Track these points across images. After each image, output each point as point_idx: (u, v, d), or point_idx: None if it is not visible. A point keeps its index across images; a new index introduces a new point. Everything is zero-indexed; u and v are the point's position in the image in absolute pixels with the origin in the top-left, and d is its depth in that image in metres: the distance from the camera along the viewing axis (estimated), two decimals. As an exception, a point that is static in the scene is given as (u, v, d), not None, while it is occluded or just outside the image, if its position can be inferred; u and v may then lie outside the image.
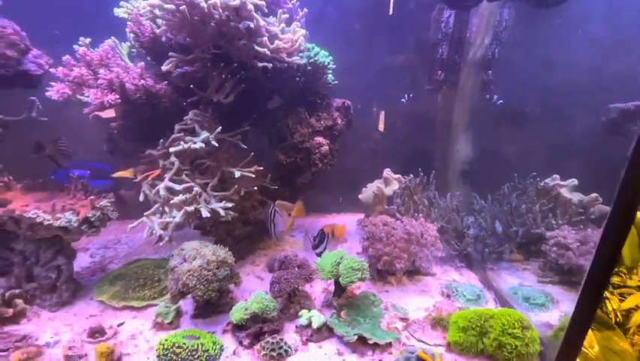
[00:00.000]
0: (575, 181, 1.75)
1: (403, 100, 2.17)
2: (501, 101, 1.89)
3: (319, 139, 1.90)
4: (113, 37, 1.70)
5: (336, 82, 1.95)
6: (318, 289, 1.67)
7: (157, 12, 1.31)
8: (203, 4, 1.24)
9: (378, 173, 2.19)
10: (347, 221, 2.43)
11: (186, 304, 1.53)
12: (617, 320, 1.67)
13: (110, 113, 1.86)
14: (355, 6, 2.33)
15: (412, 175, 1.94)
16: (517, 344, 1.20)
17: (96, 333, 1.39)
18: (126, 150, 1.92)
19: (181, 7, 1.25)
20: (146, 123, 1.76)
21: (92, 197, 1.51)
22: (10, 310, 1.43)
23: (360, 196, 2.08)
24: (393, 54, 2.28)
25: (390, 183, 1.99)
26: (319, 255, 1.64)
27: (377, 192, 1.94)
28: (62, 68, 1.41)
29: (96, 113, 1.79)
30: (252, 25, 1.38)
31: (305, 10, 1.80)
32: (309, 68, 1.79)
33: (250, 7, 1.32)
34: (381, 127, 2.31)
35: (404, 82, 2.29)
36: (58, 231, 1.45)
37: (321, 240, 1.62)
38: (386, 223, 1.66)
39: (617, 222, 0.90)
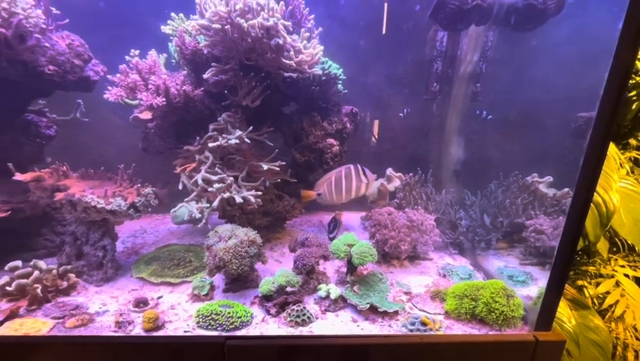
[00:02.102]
0: (550, 178, 1.98)
1: (401, 115, 2.40)
2: (490, 117, 2.13)
3: (331, 140, 2.10)
4: (154, 50, 1.90)
5: (346, 91, 2.18)
6: (330, 270, 1.85)
7: (203, 30, 1.52)
8: (244, 25, 1.45)
9: (380, 173, 2.39)
10: (351, 218, 2.62)
11: (217, 281, 1.69)
12: (595, 307, 1.88)
13: (147, 115, 2.04)
14: (360, 25, 2.57)
15: (411, 173, 2.15)
16: (504, 309, 1.39)
17: (140, 303, 1.54)
18: (159, 147, 2.09)
19: (226, 27, 1.46)
20: (181, 124, 1.95)
21: (137, 185, 1.68)
22: (65, 283, 1.58)
23: (367, 193, 2.27)
24: (395, 68, 2.51)
25: (392, 180, 2.20)
26: (332, 239, 1.83)
27: (381, 188, 2.14)
28: (119, 75, 1.59)
29: (136, 114, 1.98)
30: (280, 42, 1.59)
31: (320, 29, 2.03)
32: (323, 78, 2.01)
33: (281, 27, 1.53)
34: (375, 134, 2.49)
35: (404, 92, 2.52)
36: (108, 214, 1.62)
37: (335, 226, 1.82)
38: (390, 213, 1.85)
39: (578, 201, 1.12)
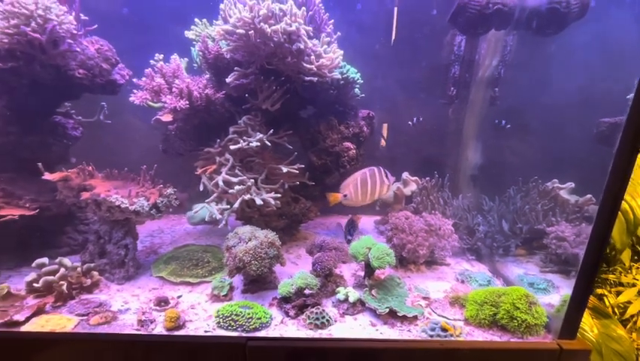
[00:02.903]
0: (572, 184, 1.95)
1: (410, 123, 2.39)
2: (509, 125, 2.12)
3: (348, 144, 2.11)
4: (176, 54, 1.95)
5: (363, 95, 2.19)
6: (347, 273, 1.85)
7: (227, 35, 1.56)
8: (268, 30, 1.48)
9: (396, 176, 2.39)
10: (365, 221, 2.62)
11: (236, 281, 1.71)
12: (616, 317, 1.83)
13: (168, 118, 2.09)
14: (377, 29, 2.57)
15: (428, 178, 2.14)
16: (527, 316, 1.37)
17: (162, 302, 1.56)
18: (179, 149, 2.14)
19: (249, 32, 1.49)
20: (201, 127, 1.99)
21: (160, 186, 1.72)
22: (89, 281, 1.62)
23: (382, 196, 2.28)
24: (411, 72, 2.52)
25: (408, 184, 2.20)
26: (349, 241, 1.83)
27: (397, 192, 2.14)
28: (145, 78, 1.64)
29: (158, 117, 2.03)
30: (301, 47, 1.62)
31: (338, 33, 2.06)
32: (341, 82, 2.03)
33: (303, 32, 1.56)
34: (384, 136, 2.43)
35: (420, 97, 2.52)
36: (131, 214, 1.66)
37: (353, 228, 1.83)
38: (408, 217, 1.85)
39: (606, 207, 1.11)
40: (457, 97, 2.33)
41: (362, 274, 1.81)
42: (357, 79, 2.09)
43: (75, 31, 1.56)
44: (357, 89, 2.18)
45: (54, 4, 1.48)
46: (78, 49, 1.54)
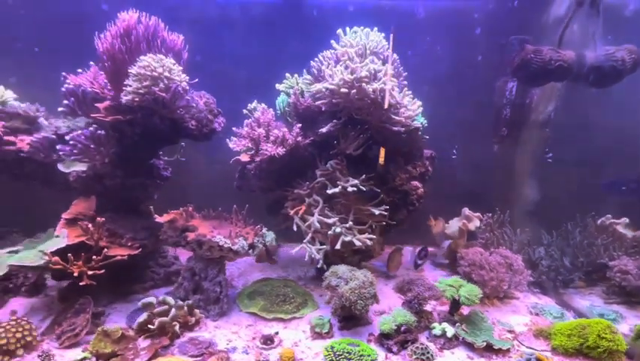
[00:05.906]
0: (626, 220, 2.25)
1: (453, 156, 2.67)
2: (550, 160, 2.46)
3: (415, 183, 2.37)
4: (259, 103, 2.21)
5: (427, 137, 2.48)
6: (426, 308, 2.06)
7: (327, 92, 1.84)
8: (369, 89, 1.77)
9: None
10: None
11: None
12: None
13: (245, 157, 2.33)
14: (429, 74, 2.88)
15: (490, 213, 2.42)
16: (610, 345, 1.61)
17: (267, 340, 1.73)
18: (254, 187, 2.36)
19: (352, 91, 1.77)
20: (283, 168, 2.22)
21: (256, 226, 1.93)
22: (193, 319, 1.78)
23: (446, 231, 2.53)
24: (463, 112, 2.83)
25: (472, 220, 2.46)
26: (417, 267, 2.08)
27: (463, 228, 2.39)
28: (246, 128, 1.90)
29: (237, 158, 2.27)
30: (392, 102, 1.91)
31: (405, 82, 2.37)
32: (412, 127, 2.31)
33: (396, 89, 1.85)
34: (381, 159, 2.54)
35: (469, 136, 2.83)
36: (229, 252, 1.85)
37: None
38: (482, 253, 2.10)
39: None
40: (509, 137, 2.64)
41: (441, 309, 2.02)
42: (424, 123, 2.38)
43: (187, 88, 1.81)
44: (419, 132, 2.47)
45: (174, 66, 1.74)
46: (193, 104, 1.78)
